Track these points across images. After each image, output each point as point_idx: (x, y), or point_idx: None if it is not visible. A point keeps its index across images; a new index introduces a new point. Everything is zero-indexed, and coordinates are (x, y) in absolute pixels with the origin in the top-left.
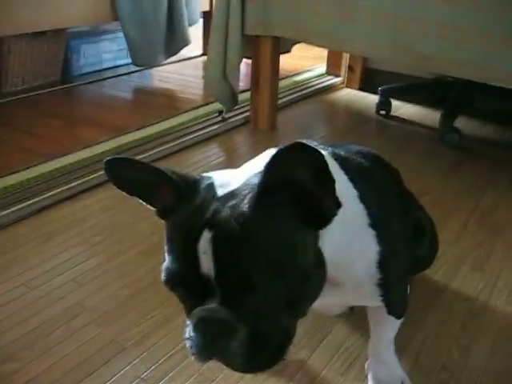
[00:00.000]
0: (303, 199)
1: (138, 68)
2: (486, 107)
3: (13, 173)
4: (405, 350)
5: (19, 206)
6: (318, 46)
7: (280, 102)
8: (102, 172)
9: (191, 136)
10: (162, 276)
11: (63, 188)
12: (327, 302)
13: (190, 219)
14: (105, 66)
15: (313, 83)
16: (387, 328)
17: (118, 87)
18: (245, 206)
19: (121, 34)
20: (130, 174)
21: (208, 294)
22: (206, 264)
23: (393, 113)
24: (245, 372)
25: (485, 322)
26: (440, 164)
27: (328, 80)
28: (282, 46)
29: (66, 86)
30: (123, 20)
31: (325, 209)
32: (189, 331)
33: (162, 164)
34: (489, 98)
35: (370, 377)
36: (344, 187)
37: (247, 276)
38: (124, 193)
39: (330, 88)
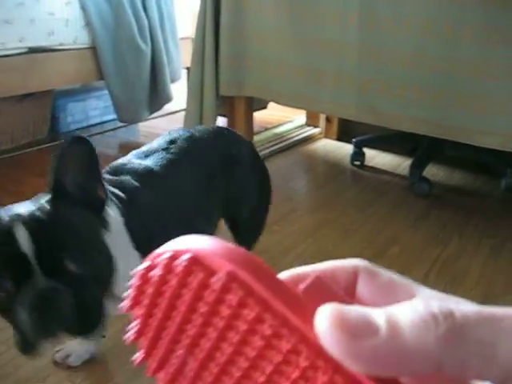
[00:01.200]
0: (82, 195)
1: (123, 124)
2: (457, 155)
3: None
4: None
5: None
6: (288, 106)
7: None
8: None
9: None
10: None
11: None
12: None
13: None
14: (91, 122)
15: (292, 134)
16: None
17: (104, 144)
18: (44, 207)
19: (106, 91)
20: None
21: (31, 277)
22: (24, 243)
23: (367, 162)
24: (77, 333)
25: None
26: (409, 213)
27: (307, 131)
28: (258, 103)
29: (53, 143)
30: (108, 79)
31: (99, 198)
32: (18, 321)
33: None
34: (458, 146)
35: None
36: (112, 216)
37: (59, 243)
38: None
39: (309, 139)
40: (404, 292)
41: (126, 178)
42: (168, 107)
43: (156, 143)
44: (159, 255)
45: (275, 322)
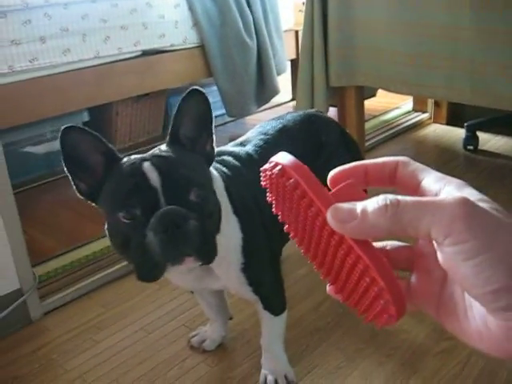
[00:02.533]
0: (196, 146)
1: (231, 118)
2: None
3: None
4: None
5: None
6: (399, 93)
7: (369, 143)
8: None
9: None
10: (124, 201)
11: None
12: (208, 284)
13: (130, 164)
14: None
15: (400, 121)
16: (268, 324)
17: (216, 138)
18: (163, 150)
19: (215, 87)
20: (80, 143)
21: (157, 207)
22: (153, 178)
23: (481, 146)
24: (200, 256)
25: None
26: None
27: (415, 117)
28: (367, 91)
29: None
30: (217, 75)
31: (208, 152)
32: (148, 244)
33: None
34: None
35: (262, 367)
36: (216, 178)
37: (184, 177)
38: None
39: (418, 125)
40: (420, 175)
41: (228, 158)
42: (273, 99)
43: (251, 134)
44: (270, 162)
45: (315, 208)
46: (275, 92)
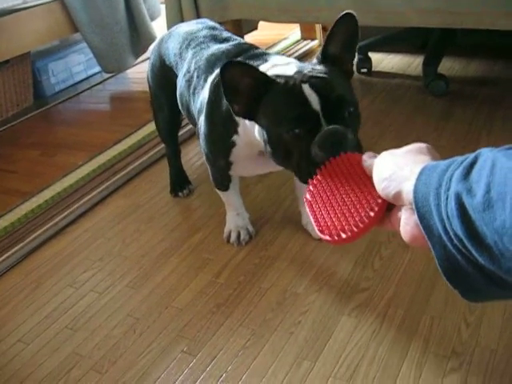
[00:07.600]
0: (342, 64)
1: (110, 74)
2: (471, 43)
3: None
4: (413, 335)
5: (7, 255)
6: (280, 22)
7: None
8: (84, 200)
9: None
10: (290, 124)
11: (48, 226)
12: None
13: (288, 86)
14: (77, 79)
15: (290, 51)
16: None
17: (94, 99)
18: (317, 69)
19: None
20: (238, 77)
21: (319, 127)
22: (314, 102)
23: (375, 68)
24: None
25: None
26: (430, 116)
27: (305, 45)
28: (247, 25)
29: (40, 110)
30: (83, 30)
31: (349, 69)
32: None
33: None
34: (472, 32)
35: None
36: None
37: (340, 98)
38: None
39: (309, 53)
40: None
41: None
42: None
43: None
44: None
45: None
46: (151, 39)
